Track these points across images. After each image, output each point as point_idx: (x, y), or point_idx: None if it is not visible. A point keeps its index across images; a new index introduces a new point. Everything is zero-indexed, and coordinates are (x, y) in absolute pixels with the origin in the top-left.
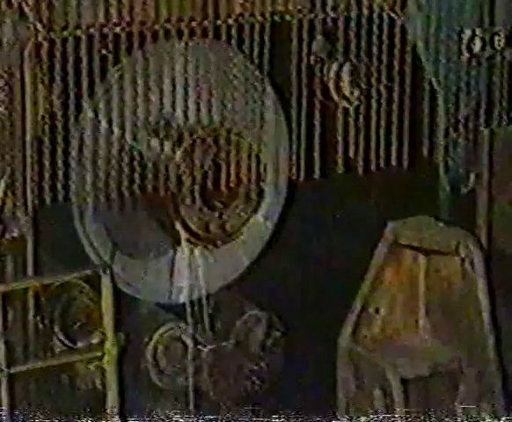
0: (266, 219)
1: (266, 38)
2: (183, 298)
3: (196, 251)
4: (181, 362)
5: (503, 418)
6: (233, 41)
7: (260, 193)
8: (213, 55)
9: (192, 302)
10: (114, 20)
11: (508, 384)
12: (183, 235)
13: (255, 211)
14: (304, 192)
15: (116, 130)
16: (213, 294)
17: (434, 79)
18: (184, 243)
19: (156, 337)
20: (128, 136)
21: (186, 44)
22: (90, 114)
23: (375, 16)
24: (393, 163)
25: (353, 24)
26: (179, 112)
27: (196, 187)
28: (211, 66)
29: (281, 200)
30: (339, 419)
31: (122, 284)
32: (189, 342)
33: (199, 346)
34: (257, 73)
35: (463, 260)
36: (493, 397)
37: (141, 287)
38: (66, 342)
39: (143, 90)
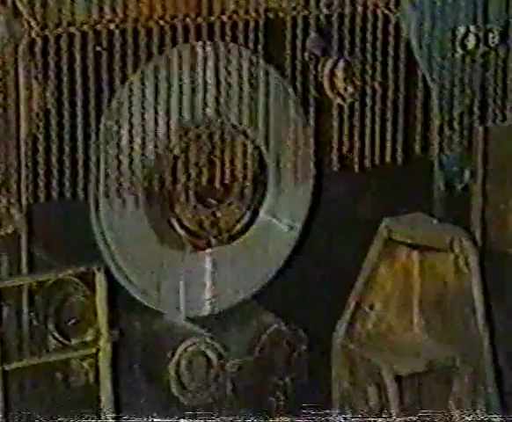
0: (291, 228)
1: (261, 35)
2: (205, 311)
3: (219, 262)
4: (204, 377)
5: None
6: (227, 38)
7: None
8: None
9: (214, 315)
10: (108, 17)
11: (502, 381)
12: (181, 233)
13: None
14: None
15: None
16: (236, 306)
17: (428, 76)
18: (206, 254)
19: (179, 351)
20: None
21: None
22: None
23: (369, 13)
24: (388, 160)
25: (347, 21)
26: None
27: (192, 184)
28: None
29: (306, 208)
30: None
31: (142, 295)
32: (213, 357)
33: (222, 361)
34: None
35: (457, 257)
36: (488, 394)
37: (161, 300)
38: (60, 339)
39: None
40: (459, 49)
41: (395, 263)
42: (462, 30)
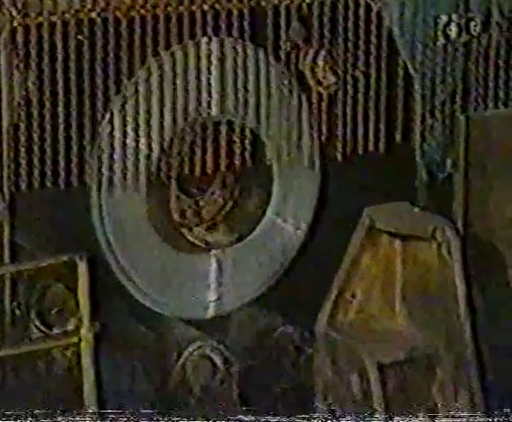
0: (297, 228)
1: (246, 24)
2: (210, 313)
3: (224, 263)
4: (210, 381)
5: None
6: (209, 28)
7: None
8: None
9: (220, 317)
10: (89, 6)
11: (484, 368)
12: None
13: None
14: None
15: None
16: (241, 308)
17: (410, 65)
18: (212, 255)
19: (185, 354)
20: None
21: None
22: None
23: (350, 1)
24: (370, 148)
25: (328, 9)
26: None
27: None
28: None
29: (311, 208)
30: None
31: (147, 299)
32: (218, 360)
33: (228, 365)
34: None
35: (439, 245)
36: (470, 381)
37: (166, 302)
38: (42, 328)
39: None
40: (441, 38)
41: (377, 252)
42: (444, 19)
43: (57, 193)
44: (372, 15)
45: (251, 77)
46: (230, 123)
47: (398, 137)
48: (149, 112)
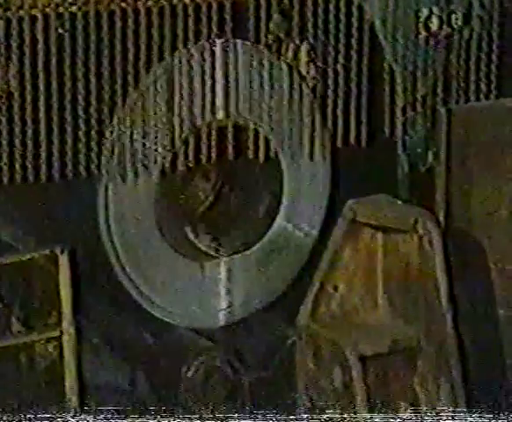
0: (307, 235)
1: (227, 17)
2: (221, 322)
3: (234, 270)
4: (221, 392)
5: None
6: (190, 21)
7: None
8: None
9: (230, 326)
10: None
11: (465, 360)
12: None
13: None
14: None
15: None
16: (252, 316)
17: (391, 58)
18: (221, 262)
19: (195, 365)
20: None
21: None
22: None
23: None
24: (352, 142)
25: (310, 3)
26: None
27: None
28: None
29: (321, 216)
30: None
31: (155, 308)
32: (228, 371)
33: (238, 376)
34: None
35: (421, 238)
36: (452, 373)
37: (175, 312)
38: (24, 322)
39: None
40: (422, 31)
41: (359, 244)
42: (425, 12)
43: (39, 187)
44: (353, 8)
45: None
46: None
47: (379, 130)
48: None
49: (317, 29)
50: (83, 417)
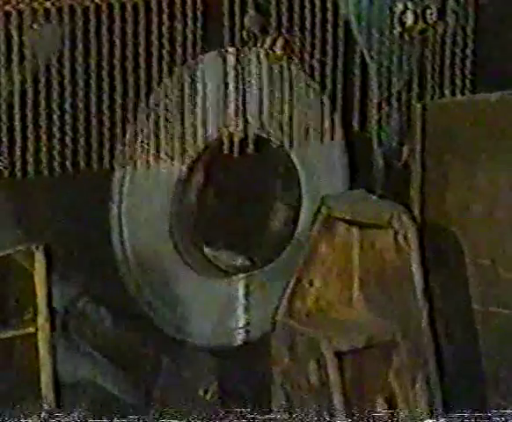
0: None
1: (199, 13)
2: (238, 340)
3: (252, 288)
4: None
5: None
6: (164, 15)
7: None
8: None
9: (248, 344)
10: None
11: (441, 354)
12: None
13: None
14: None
15: None
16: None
17: (366, 53)
18: (239, 280)
19: (212, 388)
20: None
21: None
22: None
23: None
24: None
25: None
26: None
27: None
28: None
29: None
30: None
31: (169, 327)
32: (247, 391)
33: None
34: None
35: (396, 233)
36: (427, 368)
37: (189, 331)
38: (0, 318)
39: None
40: (397, 26)
41: (335, 239)
42: (400, 6)
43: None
44: (328, 4)
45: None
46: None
47: (354, 125)
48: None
49: (292, 25)
50: (58, 414)
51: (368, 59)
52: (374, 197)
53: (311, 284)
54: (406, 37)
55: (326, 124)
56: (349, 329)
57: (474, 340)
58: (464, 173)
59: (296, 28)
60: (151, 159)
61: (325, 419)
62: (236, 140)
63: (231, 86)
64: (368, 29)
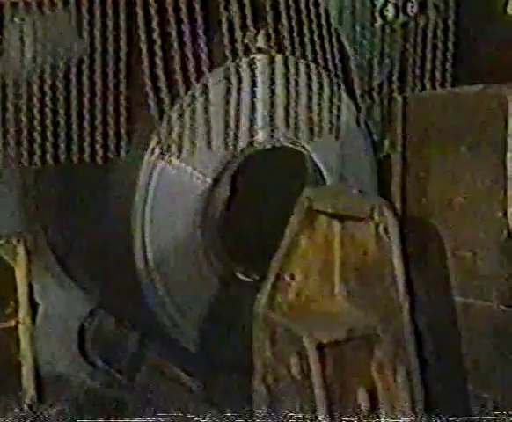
0: None
1: (183, 6)
2: None
3: None
4: None
5: None
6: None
7: None
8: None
9: None
10: None
11: (422, 347)
12: None
13: None
14: None
15: None
16: None
17: (348, 46)
18: None
19: None
20: None
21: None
22: None
23: None
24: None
25: None
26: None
27: None
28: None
29: None
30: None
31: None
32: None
33: None
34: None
35: (377, 225)
36: (408, 360)
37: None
38: None
39: None
40: (379, 19)
41: (316, 232)
42: (381, 0)
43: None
44: None
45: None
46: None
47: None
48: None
49: (274, 18)
50: (39, 407)
51: (349, 52)
52: (355, 190)
53: (293, 277)
54: (387, 30)
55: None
56: (330, 322)
57: (455, 332)
58: (444, 166)
59: (278, 22)
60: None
61: (306, 412)
62: (262, 149)
63: (259, 95)
64: (349, 22)
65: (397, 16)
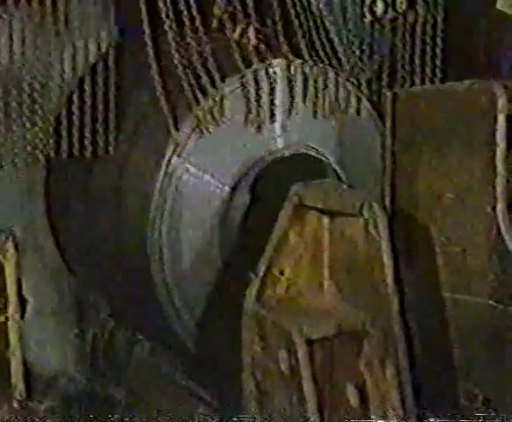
0: None
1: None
2: None
3: None
4: None
5: None
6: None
7: None
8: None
9: None
10: None
11: (411, 342)
12: None
13: None
14: None
15: None
16: None
17: (337, 42)
18: None
19: None
20: None
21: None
22: None
23: None
24: None
25: None
26: None
27: None
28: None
29: None
30: None
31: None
32: None
33: None
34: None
35: (366, 222)
36: (398, 356)
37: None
38: None
39: None
40: (368, 15)
41: (305, 228)
42: None
43: None
44: None
45: None
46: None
47: None
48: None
49: (262, 14)
50: (28, 403)
51: (339, 48)
52: (344, 186)
53: (282, 273)
54: (377, 26)
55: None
56: (320, 317)
57: (444, 328)
58: (434, 162)
59: (266, 17)
60: None
61: (295, 407)
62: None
63: (278, 102)
64: (338, 18)
65: (386, 12)
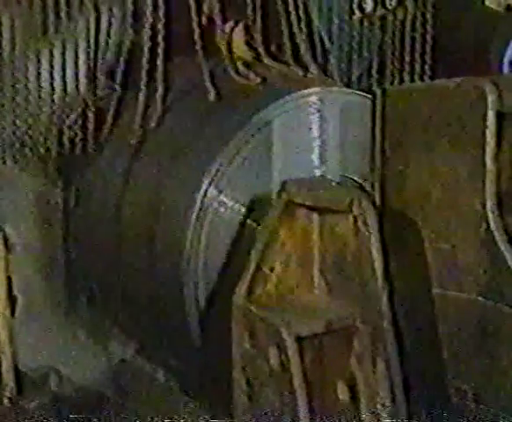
0: None
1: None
2: None
3: None
4: None
5: None
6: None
7: None
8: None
9: None
10: None
11: (401, 339)
12: None
13: None
14: None
15: None
16: None
17: (326, 39)
18: None
19: None
20: None
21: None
22: None
23: None
24: None
25: None
26: None
27: None
28: None
29: None
30: None
31: None
32: None
33: None
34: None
35: (356, 218)
36: (387, 352)
37: None
38: None
39: None
40: (357, 12)
41: (295, 225)
42: None
43: None
44: None
45: None
46: None
47: None
48: None
49: (252, 11)
50: (19, 402)
51: (328, 45)
52: (334, 182)
53: (272, 269)
54: (366, 23)
55: None
56: (309, 314)
57: (434, 324)
58: (423, 159)
59: (256, 14)
60: None
61: (285, 403)
62: None
63: (314, 130)
64: (328, 14)
65: (375, 9)
